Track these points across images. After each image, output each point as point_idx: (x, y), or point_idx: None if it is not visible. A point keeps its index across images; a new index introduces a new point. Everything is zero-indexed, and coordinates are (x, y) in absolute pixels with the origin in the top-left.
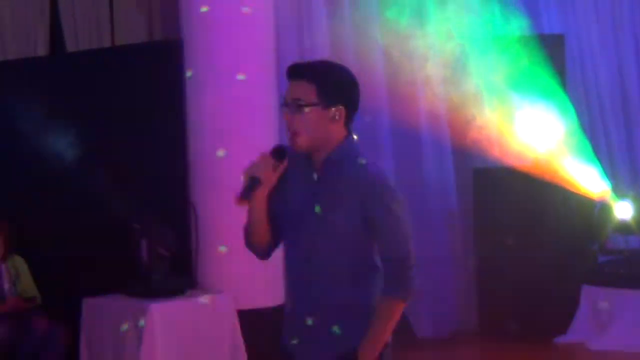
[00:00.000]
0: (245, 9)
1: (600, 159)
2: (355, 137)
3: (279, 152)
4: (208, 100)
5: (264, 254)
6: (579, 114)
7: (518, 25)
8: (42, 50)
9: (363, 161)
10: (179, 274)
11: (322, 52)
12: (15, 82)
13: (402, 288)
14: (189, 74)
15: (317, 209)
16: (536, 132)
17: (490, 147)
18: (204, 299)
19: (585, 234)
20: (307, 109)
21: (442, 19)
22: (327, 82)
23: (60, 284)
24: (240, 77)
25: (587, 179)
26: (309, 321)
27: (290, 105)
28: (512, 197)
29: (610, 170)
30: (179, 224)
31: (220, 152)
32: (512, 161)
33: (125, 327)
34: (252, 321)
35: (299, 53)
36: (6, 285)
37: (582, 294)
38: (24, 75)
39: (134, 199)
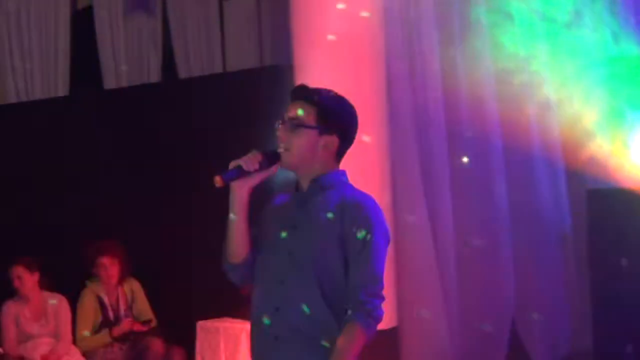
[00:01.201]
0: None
1: None
2: (465, 159)
3: (271, 154)
4: None
5: (237, 273)
6: None
7: (634, 45)
8: (154, 77)
9: (351, 189)
10: None
11: (434, 77)
12: (129, 108)
13: (369, 317)
14: None
15: (295, 226)
16: None
17: (605, 169)
18: None
19: None
20: (302, 130)
21: (556, 40)
22: (328, 110)
23: (176, 306)
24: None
25: None
26: (275, 344)
27: (286, 123)
28: (628, 219)
29: None
30: None
31: None
32: (627, 182)
33: None
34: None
35: (410, 79)
36: (122, 308)
37: None
38: (138, 101)
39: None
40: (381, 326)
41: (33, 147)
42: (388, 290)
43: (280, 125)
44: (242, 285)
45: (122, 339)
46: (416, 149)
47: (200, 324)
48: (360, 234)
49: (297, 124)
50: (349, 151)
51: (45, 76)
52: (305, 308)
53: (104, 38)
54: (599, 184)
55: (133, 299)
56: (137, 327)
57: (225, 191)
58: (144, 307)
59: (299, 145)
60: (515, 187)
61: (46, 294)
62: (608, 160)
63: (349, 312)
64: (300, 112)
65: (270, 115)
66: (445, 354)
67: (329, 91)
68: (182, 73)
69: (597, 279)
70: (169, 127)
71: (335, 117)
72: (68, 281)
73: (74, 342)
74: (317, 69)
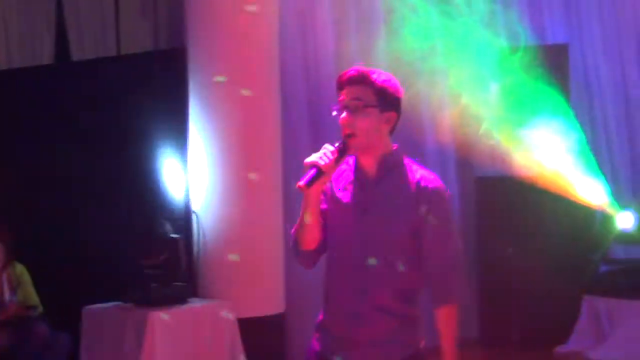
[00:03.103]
0: (251, 8)
1: (602, 169)
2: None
3: (342, 147)
4: (211, 107)
5: (311, 259)
6: (582, 123)
7: (522, 36)
8: (47, 58)
9: (416, 167)
10: (180, 282)
11: (326, 62)
12: (20, 90)
13: (457, 293)
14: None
15: (366, 209)
16: (539, 142)
17: (493, 157)
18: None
19: (587, 244)
20: (366, 110)
21: (447, 31)
22: (383, 87)
23: (62, 292)
24: (245, 92)
25: (589, 188)
26: (361, 329)
27: (349, 106)
28: (514, 207)
29: (613, 180)
30: (183, 232)
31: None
32: (514, 171)
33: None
34: (252, 329)
35: (303, 63)
36: (7, 293)
37: (583, 303)
38: (29, 83)
39: (137, 207)
40: (270, 312)
41: None
42: (277, 277)
43: (340, 112)
44: (312, 268)
45: (7, 323)
46: (309, 134)
47: (85, 310)
48: (434, 218)
49: (360, 105)
50: (249, 134)
51: None
52: (391, 287)
53: None
54: (487, 172)
55: (18, 284)
56: (22, 312)
57: (101, 175)
58: (29, 293)
59: (365, 126)
60: None
61: None
62: (496, 149)
63: (437, 294)
64: (358, 94)
65: (164, 98)
66: None
67: (376, 70)
68: (76, 55)
69: (484, 265)
70: (59, 109)
71: (391, 93)
72: None
73: None
74: (211, 52)
